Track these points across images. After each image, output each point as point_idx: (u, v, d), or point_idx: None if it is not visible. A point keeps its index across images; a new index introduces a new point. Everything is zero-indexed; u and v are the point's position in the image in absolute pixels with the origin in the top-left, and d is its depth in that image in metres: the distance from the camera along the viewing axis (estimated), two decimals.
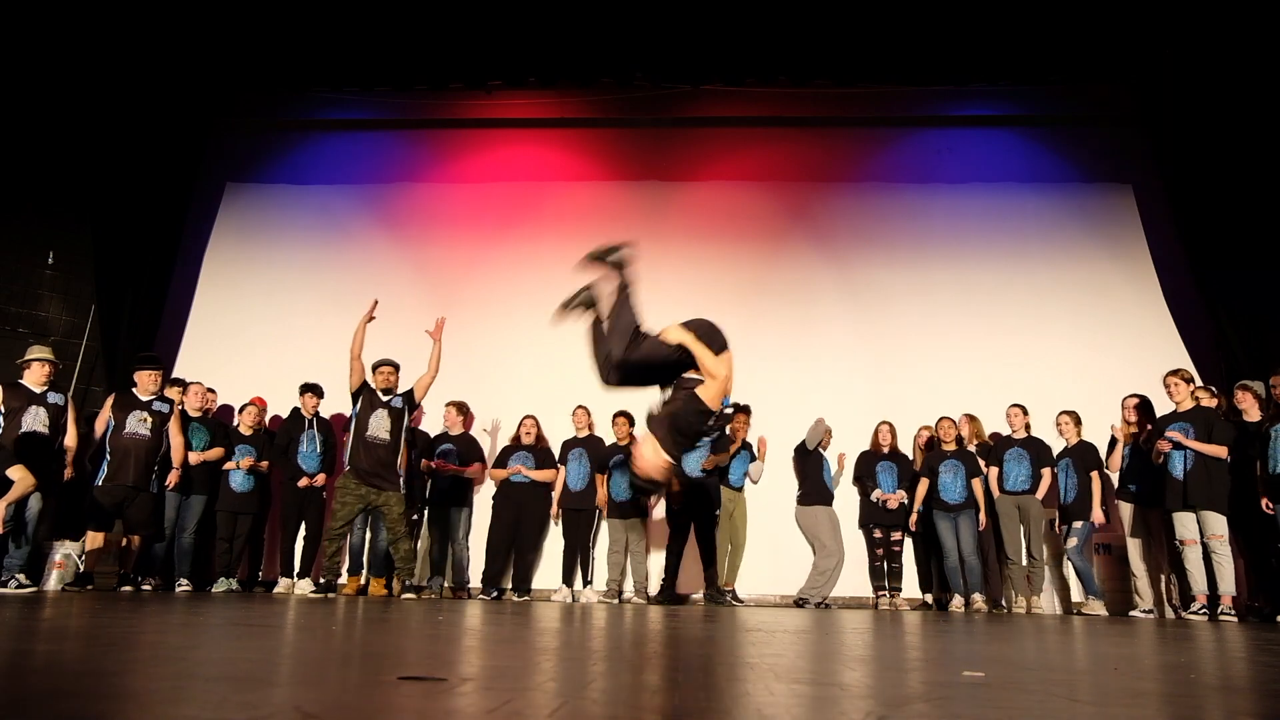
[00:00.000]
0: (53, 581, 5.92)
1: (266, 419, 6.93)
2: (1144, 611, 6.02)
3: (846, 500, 6.90)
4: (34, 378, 5.65)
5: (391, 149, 8.75)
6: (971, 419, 6.71)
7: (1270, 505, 5.35)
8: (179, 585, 6.18)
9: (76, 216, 7.65)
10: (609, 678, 1.66)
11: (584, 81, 8.19)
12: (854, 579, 6.82)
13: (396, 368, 6.24)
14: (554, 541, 6.83)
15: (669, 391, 3.89)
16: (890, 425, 6.83)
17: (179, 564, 6.27)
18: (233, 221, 8.33)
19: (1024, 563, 6.37)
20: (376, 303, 6.03)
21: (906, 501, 6.67)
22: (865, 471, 6.78)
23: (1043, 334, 7.40)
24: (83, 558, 5.84)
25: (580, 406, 6.91)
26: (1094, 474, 6.24)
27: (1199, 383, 6.24)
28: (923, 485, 6.53)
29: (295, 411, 6.79)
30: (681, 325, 3.82)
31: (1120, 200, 7.94)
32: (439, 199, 8.41)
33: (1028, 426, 6.52)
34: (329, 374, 7.02)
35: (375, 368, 6.08)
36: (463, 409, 7.03)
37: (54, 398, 5.72)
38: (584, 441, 6.83)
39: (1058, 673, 2.00)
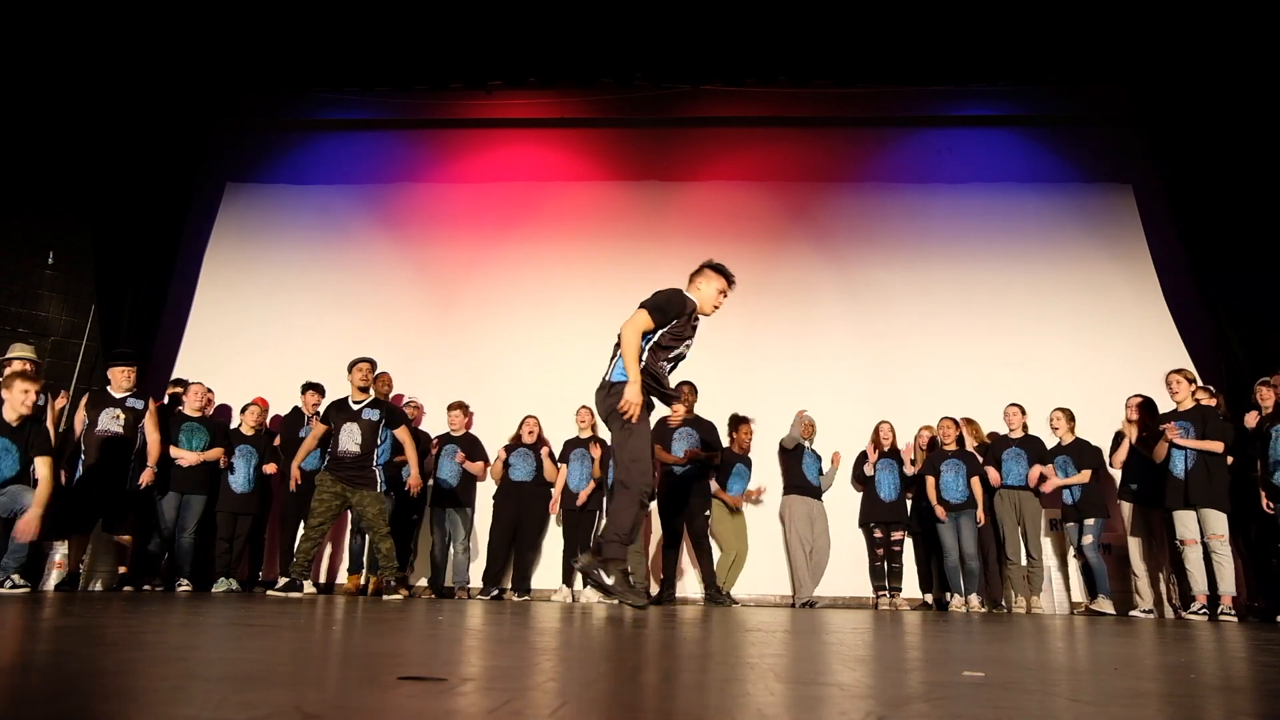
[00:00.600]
0: (51, 582, 5.92)
1: (268, 419, 6.93)
2: (1144, 611, 6.02)
3: (844, 500, 6.90)
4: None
5: (391, 149, 8.75)
6: (969, 422, 6.71)
7: (1271, 505, 5.36)
8: (179, 585, 6.18)
9: (76, 216, 7.65)
10: (609, 678, 1.66)
11: (584, 81, 8.19)
12: (854, 579, 6.83)
13: (373, 364, 6.01)
14: (554, 541, 6.84)
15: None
16: (890, 425, 6.84)
17: (179, 564, 6.27)
18: (233, 221, 8.34)
19: (1023, 563, 6.37)
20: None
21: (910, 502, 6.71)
22: (859, 467, 6.80)
23: (1043, 334, 7.41)
24: (84, 559, 5.85)
25: (584, 406, 6.92)
26: (1086, 472, 6.23)
27: (1199, 382, 6.24)
28: (930, 484, 6.53)
29: (296, 410, 6.80)
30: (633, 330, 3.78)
31: (1120, 200, 7.94)
32: (439, 199, 8.41)
33: (1025, 426, 6.52)
34: (329, 374, 7.02)
35: (351, 367, 5.89)
36: (465, 410, 7.03)
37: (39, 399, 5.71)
38: (586, 442, 6.83)
39: (1058, 673, 2.00)
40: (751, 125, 8.53)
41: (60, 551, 5.93)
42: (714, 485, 6.60)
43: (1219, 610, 5.42)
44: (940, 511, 6.42)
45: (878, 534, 6.68)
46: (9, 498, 4.94)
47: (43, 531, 5.73)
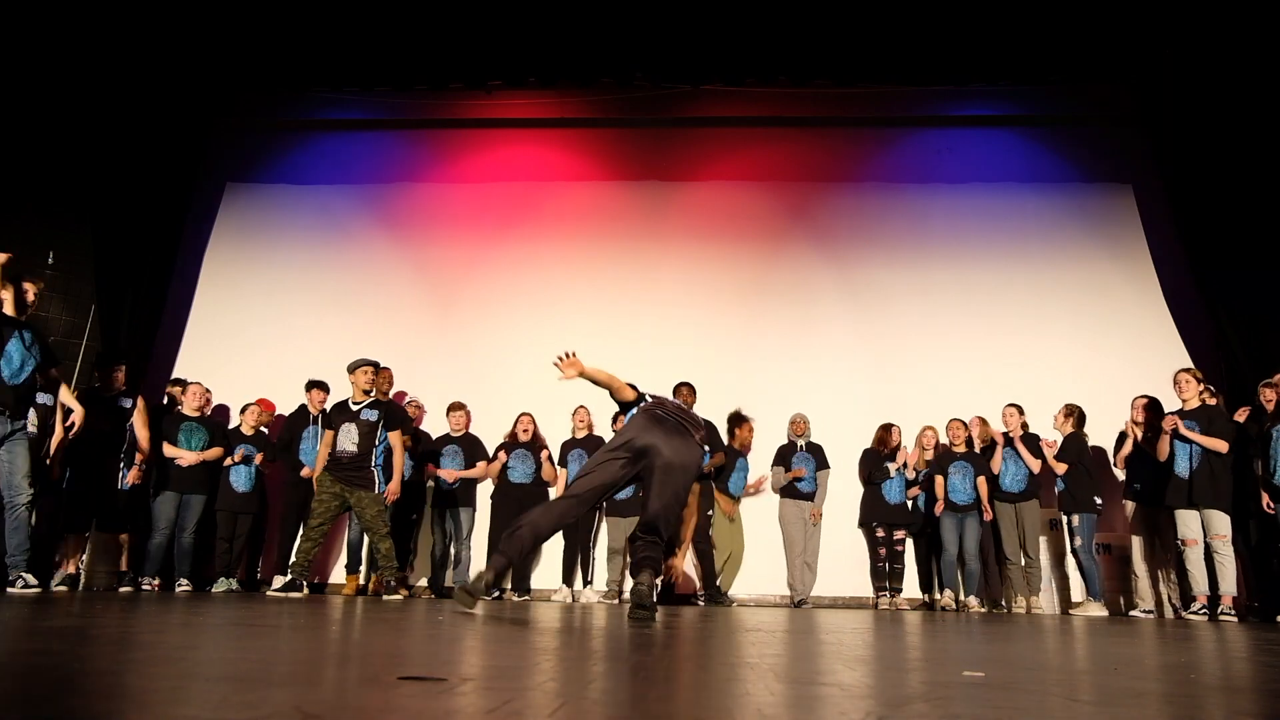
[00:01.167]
0: (54, 581, 5.92)
1: (272, 420, 6.96)
2: (1144, 611, 6.02)
3: (845, 501, 6.90)
4: None
5: (391, 149, 8.75)
6: (983, 421, 6.72)
7: (1271, 505, 5.36)
8: (179, 585, 6.18)
9: (76, 216, 7.65)
10: (609, 678, 1.66)
11: (584, 81, 8.18)
12: (854, 579, 6.83)
13: (377, 367, 5.98)
14: (554, 542, 6.83)
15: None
16: (898, 427, 6.84)
17: (179, 564, 6.27)
18: (233, 221, 8.34)
19: (1021, 563, 6.38)
20: None
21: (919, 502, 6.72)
22: (871, 467, 6.78)
23: (1043, 334, 7.41)
24: (83, 559, 5.85)
25: (581, 406, 6.92)
26: (1068, 466, 6.23)
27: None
28: (938, 484, 6.53)
29: (301, 408, 6.80)
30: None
31: (1120, 200, 7.94)
32: (439, 199, 8.41)
33: (1025, 425, 6.52)
34: (328, 374, 7.02)
35: (354, 368, 5.87)
36: (464, 410, 7.03)
37: (43, 398, 5.66)
38: (584, 442, 6.83)
39: (1058, 673, 2.00)
40: (751, 125, 8.53)
41: (62, 551, 5.93)
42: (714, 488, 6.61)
43: (1219, 610, 5.42)
44: (938, 507, 6.45)
45: (880, 534, 6.68)
46: (6, 463, 4.76)
47: (57, 531, 5.72)
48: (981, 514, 6.41)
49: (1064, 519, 6.29)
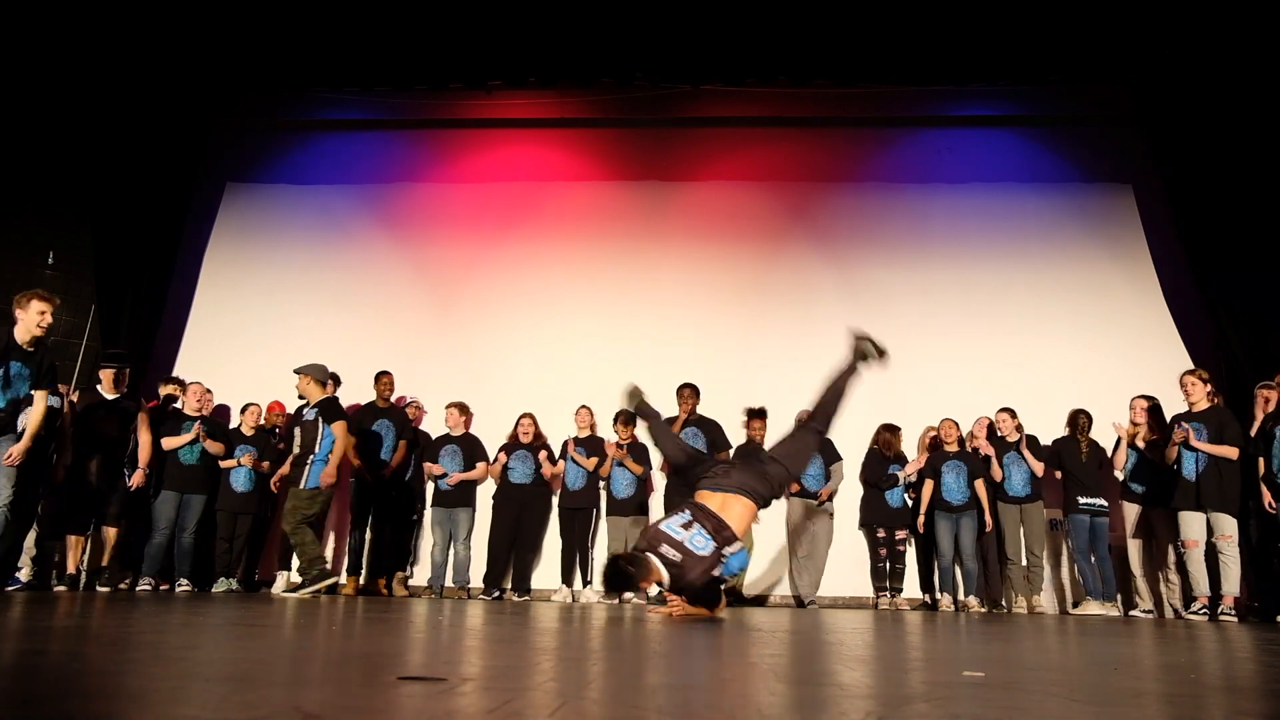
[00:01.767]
0: (53, 580, 5.93)
1: (280, 421, 6.97)
2: (1144, 611, 6.02)
3: (845, 501, 6.90)
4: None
5: (391, 149, 8.75)
6: (991, 420, 6.70)
7: (1274, 504, 5.35)
8: (179, 585, 6.18)
9: (76, 216, 7.64)
10: (609, 678, 1.66)
11: (584, 81, 8.18)
12: (854, 579, 6.83)
13: (323, 377, 6.18)
14: (554, 542, 6.84)
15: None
16: (902, 431, 6.83)
17: (179, 564, 6.27)
18: (233, 221, 8.33)
19: (1024, 562, 6.38)
20: None
21: (910, 501, 6.70)
22: (876, 473, 6.76)
23: (1043, 334, 7.40)
24: (84, 561, 5.86)
25: (583, 406, 6.92)
26: (1040, 465, 6.25)
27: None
28: (928, 486, 6.54)
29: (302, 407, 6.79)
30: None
31: (1120, 200, 7.93)
32: (439, 199, 8.40)
33: (1019, 428, 6.51)
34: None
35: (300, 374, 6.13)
36: (464, 410, 7.03)
37: (51, 400, 5.69)
38: (584, 441, 6.83)
39: (1058, 673, 2.00)
40: (751, 125, 8.52)
41: (60, 550, 5.94)
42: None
43: (1219, 610, 5.42)
44: (921, 521, 6.46)
45: (881, 534, 6.67)
46: None
47: (52, 530, 5.74)
48: (980, 514, 6.40)
49: (1063, 520, 6.30)
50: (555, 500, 6.87)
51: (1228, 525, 5.46)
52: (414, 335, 7.72)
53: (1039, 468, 6.34)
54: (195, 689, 1.37)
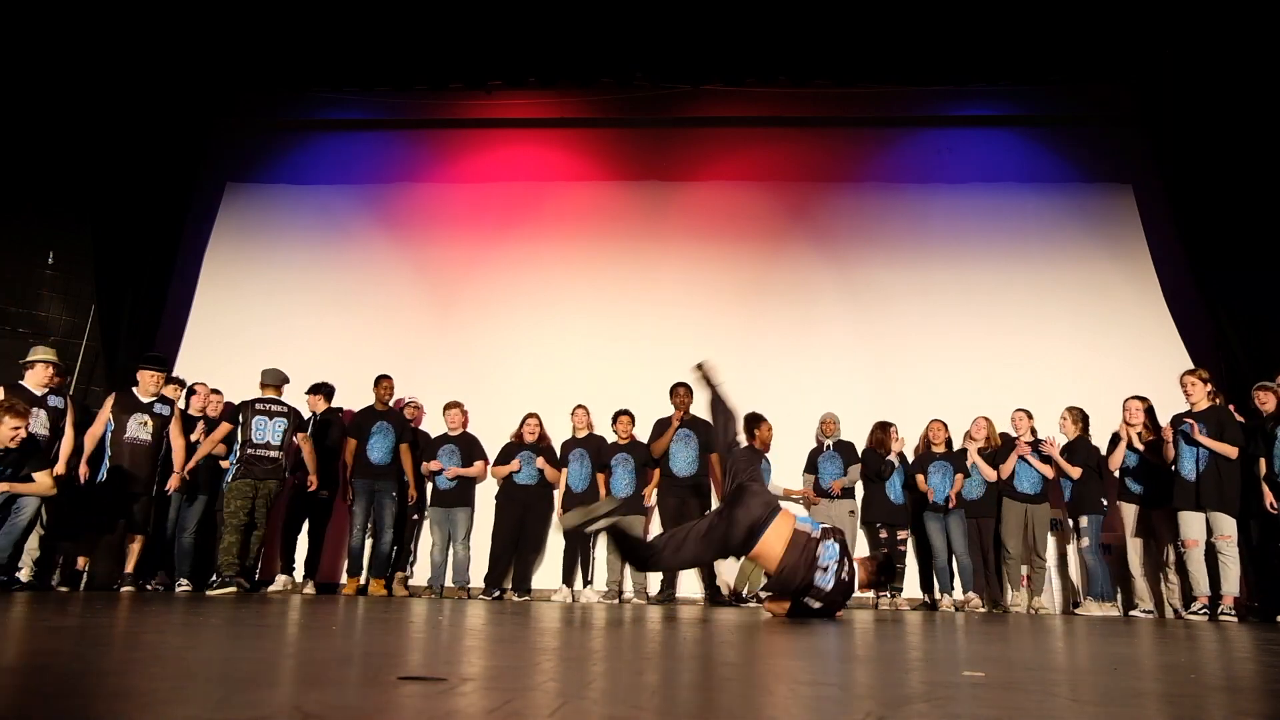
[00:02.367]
0: (54, 581, 5.93)
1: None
2: (1144, 611, 6.02)
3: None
4: (35, 380, 5.64)
5: (391, 149, 8.75)
6: (988, 421, 6.72)
7: (1275, 504, 5.35)
8: (179, 585, 6.18)
9: (76, 216, 7.65)
10: (609, 678, 1.66)
11: (584, 81, 8.18)
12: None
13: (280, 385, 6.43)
14: (555, 542, 6.84)
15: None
16: (895, 427, 6.83)
17: (179, 564, 6.28)
18: (233, 221, 8.34)
19: (1020, 558, 6.38)
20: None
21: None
22: (873, 466, 6.77)
23: (1043, 334, 7.40)
24: (91, 559, 5.86)
25: (580, 406, 6.92)
26: (1076, 469, 6.23)
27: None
28: (921, 482, 6.55)
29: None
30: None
31: (1120, 200, 7.94)
32: (439, 199, 8.41)
33: (1033, 430, 6.52)
34: (328, 374, 7.04)
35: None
36: (462, 409, 7.03)
37: (54, 400, 5.71)
38: (584, 441, 6.83)
39: (1058, 673, 2.00)
40: (751, 125, 8.53)
41: (61, 551, 5.94)
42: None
43: (1219, 610, 5.42)
44: (930, 493, 6.46)
45: (883, 534, 6.68)
46: None
47: (52, 532, 5.77)
48: (966, 513, 6.42)
49: (1069, 521, 6.29)
50: (557, 501, 6.87)
51: (1227, 525, 5.46)
52: (414, 335, 7.72)
53: (1049, 470, 6.30)
54: (195, 689, 1.37)
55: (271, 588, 6.48)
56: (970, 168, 8.18)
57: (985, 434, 6.62)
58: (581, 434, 6.87)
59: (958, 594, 6.47)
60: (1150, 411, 6.18)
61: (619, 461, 6.70)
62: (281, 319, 7.79)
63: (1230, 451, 5.52)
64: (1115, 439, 6.30)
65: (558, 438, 6.98)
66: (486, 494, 6.92)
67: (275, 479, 6.16)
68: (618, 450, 6.76)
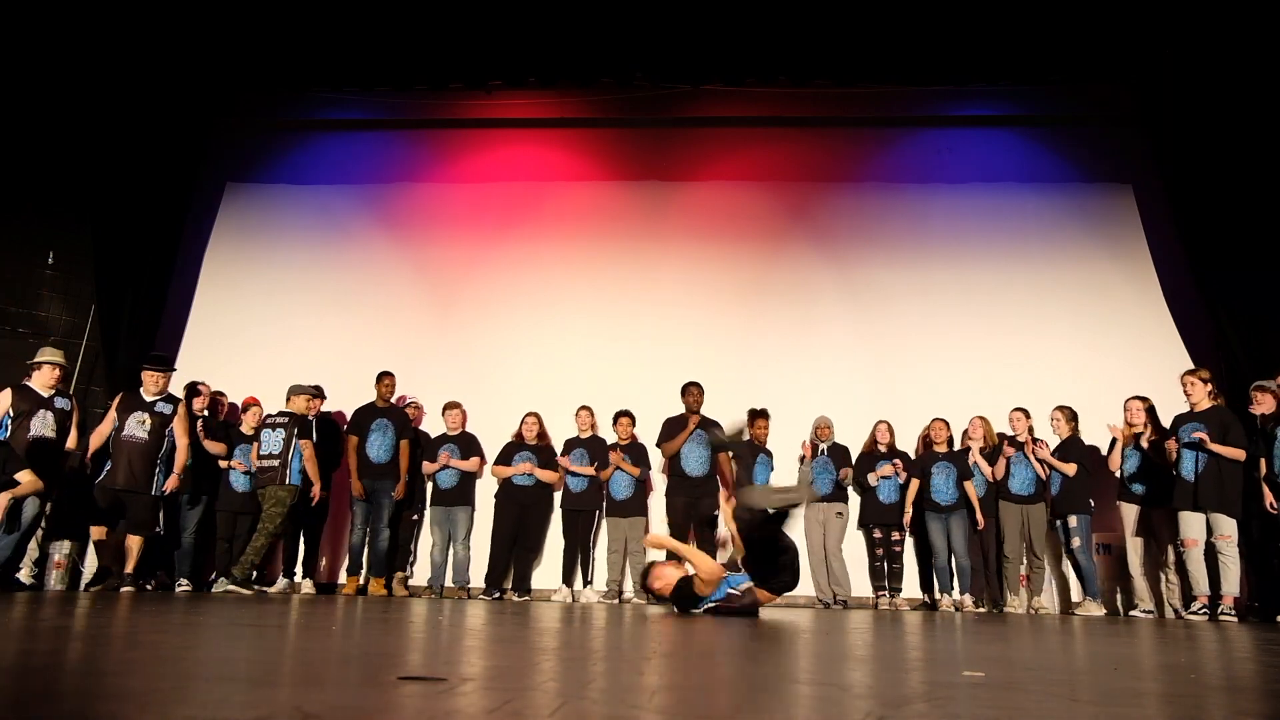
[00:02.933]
0: (53, 581, 5.93)
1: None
2: (1144, 611, 6.02)
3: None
4: (42, 381, 5.62)
5: (391, 149, 8.74)
6: (984, 421, 6.72)
7: (1275, 505, 5.34)
8: (179, 585, 6.19)
9: (76, 216, 7.64)
10: (609, 678, 1.66)
11: (584, 81, 8.18)
12: (854, 579, 6.83)
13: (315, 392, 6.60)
14: (554, 542, 6.84)
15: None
16: (888, 424, 6.84)
17: (179, 564, 6.28)
18: (233, 221, 8.33)
19: (1024, 562, 6.38)
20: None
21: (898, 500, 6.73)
22: (861, 470, 6.78)
23: (1043, 334, 7.40)
24: (90, 555, 5.86)
25: (584, 407, 6.92)
26: (1071, 465, 6.23)
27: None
28: (913, 486, 6.55)
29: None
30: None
31: (1120, 200, 7.94)
32: (439, 199, 8.40)
33: (1031, 429, 6.52)
34: (329, 374, 7.04)
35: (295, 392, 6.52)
36: (461, 410, 7.03)
37: (61, 402, 5.70)
38: (586, 442, 6.83)
39: (1058, 673, 2.00)
40: (751, 125, 8.52)
41: (60, 552, 5.93)
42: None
43: (1219, 610, 5.42)
44: (906, 518, 6.50)
45: (877, 534, 6.69)
46: None
47: (52, 531, 5.78)
48: (970, 513, 6.41)
49: (1059, 521, 6.29)
50: (557, 501, 6.87)
51: (1226, 525, 5.46)
52: (414, 335, 7.72)
53: (1070, 469, 6.26)
54: (195, 689, 1.37)
55: (272, 589, 6.48)
56: (970, 168, 8.18)
57: (982, 433, 6.64)
58: (585, 434, 6.88)
59: (957, 594, 6.47)
60: (1152, 411, 6.18)
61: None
62: (281, 319, 7.79)
63: (1238, 454, 5.50)
64: (1114, 442, 6.30)
65: (558, 437, 6.98)
66: (486, 494, 6.92)
67: (274, 485, 6.16)
68: (620, 451, 6.77)
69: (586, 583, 6.68)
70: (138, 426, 5.79)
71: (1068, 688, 1.69)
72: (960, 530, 6.38)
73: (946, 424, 6.64)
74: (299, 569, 6.67)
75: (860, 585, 6.79)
